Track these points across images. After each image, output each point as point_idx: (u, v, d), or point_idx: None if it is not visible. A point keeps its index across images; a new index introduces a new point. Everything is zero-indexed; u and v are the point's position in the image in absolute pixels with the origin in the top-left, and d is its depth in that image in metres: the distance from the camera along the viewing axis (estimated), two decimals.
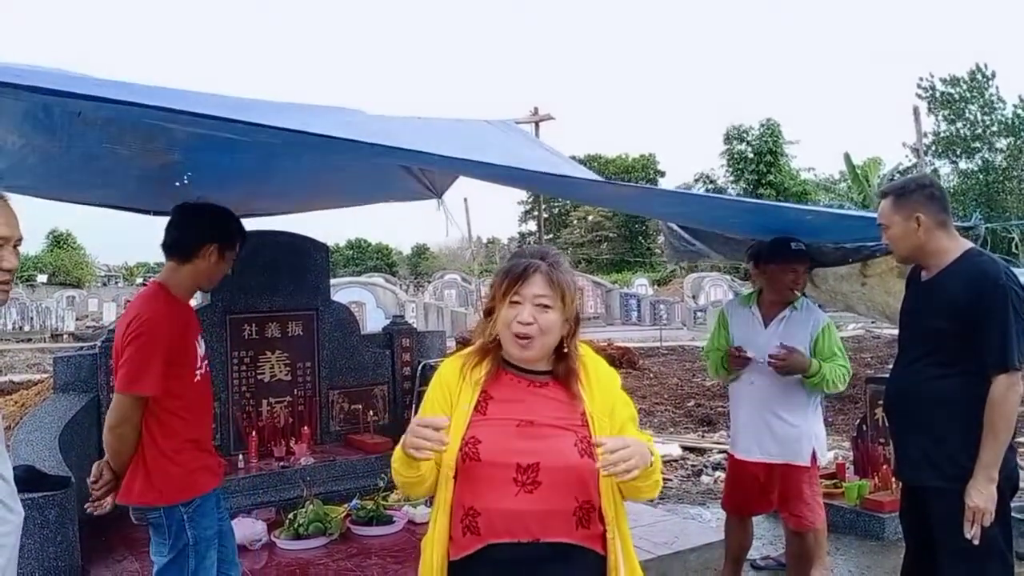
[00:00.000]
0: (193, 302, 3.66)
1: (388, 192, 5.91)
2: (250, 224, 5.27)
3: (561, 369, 2.06)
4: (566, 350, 2.06)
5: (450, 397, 2.06)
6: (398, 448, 1.95)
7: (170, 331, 2.86)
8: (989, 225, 4.60)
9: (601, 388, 2.08)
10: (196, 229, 3.00)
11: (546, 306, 1.98)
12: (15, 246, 1.98)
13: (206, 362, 3.14)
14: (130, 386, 2.79)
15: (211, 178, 3.70)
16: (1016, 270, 2.94)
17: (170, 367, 2.87)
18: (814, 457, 3.94)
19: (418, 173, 5.27)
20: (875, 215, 3.16)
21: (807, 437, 3.90)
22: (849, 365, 3.96)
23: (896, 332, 3.30)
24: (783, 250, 4.03)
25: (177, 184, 4.21)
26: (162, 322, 2.85)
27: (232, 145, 4.01)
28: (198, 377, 3.00)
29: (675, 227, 5.45)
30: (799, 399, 3.90)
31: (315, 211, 6.27)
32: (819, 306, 4.44)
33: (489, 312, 2.07)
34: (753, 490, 4.03)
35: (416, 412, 2.21)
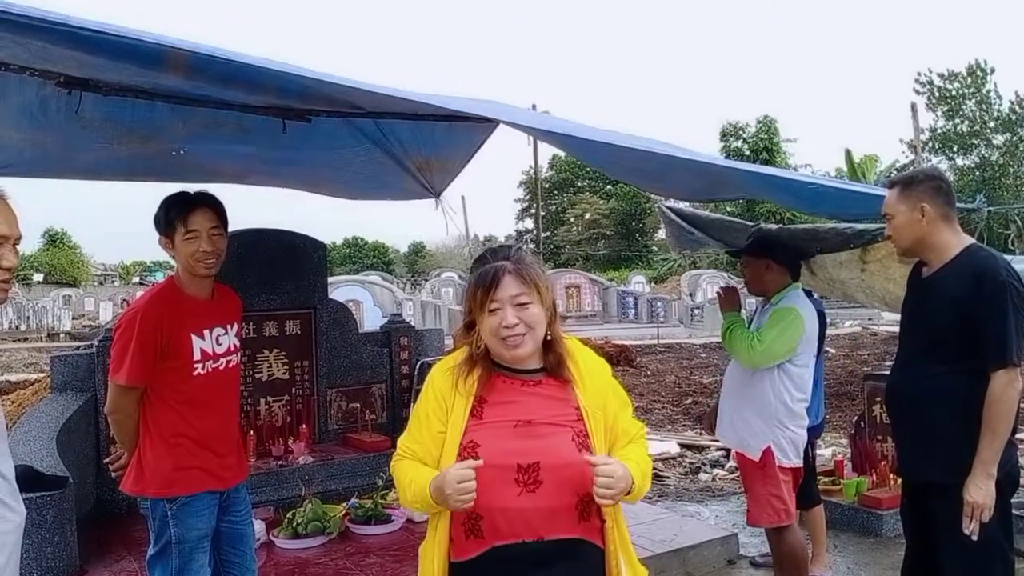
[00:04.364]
0: None
1: (386, 191, 5.90)
2: (248, 223, 5.30)
3: (551, 360, 2.06)
4: (549, 337, 2.07)
5: (445, 404, 2.05)
6: (418, 488, 1.97)
7: (151, 323, 2.86)
8: (992, 208, 4.59)
9: (592, 379, 2.09)
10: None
11: (525, 303, 1.98)
12: (14, 244, 1.98)
13: (227, 360, 3.07)
14: (112, 375, 2.89)
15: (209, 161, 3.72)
16: (1016, 263, 2.93)
17: (163, 360, 2.88)
18: (769, 456, 3.82)
19: (416, 172, 5.26)
20: (878, 191, 3.16)
21: (760, 434, 3.83)
22: (765, 346, 3.70)
23: (894, 328, 3.30)
24: (745, 245, 4.16)
25: (173, 153, 4.23)
26: (140, 314, 2.87)
27: (231, 141, 4.00)
28: (200, 372, 2.96)
29: (673, 216, 5.42)
30: (758, 396, 3.87)
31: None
32: (821, 298, 4.42)
33: (470, 325, 2.06)
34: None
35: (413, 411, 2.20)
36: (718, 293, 4.21)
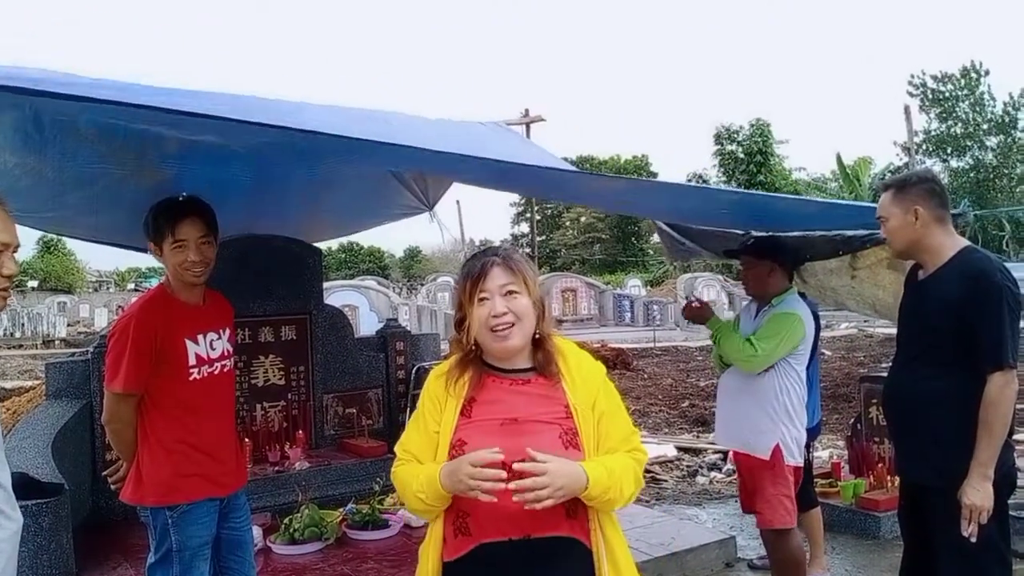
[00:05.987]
0: None
1: (381, 207, 5.86)
2: (243, 228, 5.29)
3: (540, 357, 2.08)
4: (539, 335, 2.09)
5: (439, 406, 2.08)
6: (427, 476, 1.96)
7: (145, 329, 2.85)
8: (978, 213, 4.65)
9: (583, 379, 2.09)
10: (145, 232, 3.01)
11: (513, 292, 2.02)
12: (13, 252, 1.98)
13: (222, 364, 3.06)
14: (108, 383, 2.88)
15: (205, 196, 3.73)
16: (1016, 272, 2.94)
17: (158, 365, 2.87)
18: (779, 455, 3.82)
19: (411, 183, 5.24)
20: (864, 204, 3.17)
21: (768, 432, 3.82)
22: (766, 352, 3.74)
23: (889, 330, 3.32)
24: (740, 247, 4.15)
25: (168, 173, 4.17)
26: (134, 321, 2.87)
27: (227, 157, 3.98)
28: (195, 376, 2.95)
29: (665, 227, 5.46)
30: (763, 394, 3.86)
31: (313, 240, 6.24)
32: (814, 302, 4.42)
33: (461, 322, 2.09)
34: (740, 479, 4.06)
35: (411, 416, 2.21)
36: (685, 315, 4.19)
